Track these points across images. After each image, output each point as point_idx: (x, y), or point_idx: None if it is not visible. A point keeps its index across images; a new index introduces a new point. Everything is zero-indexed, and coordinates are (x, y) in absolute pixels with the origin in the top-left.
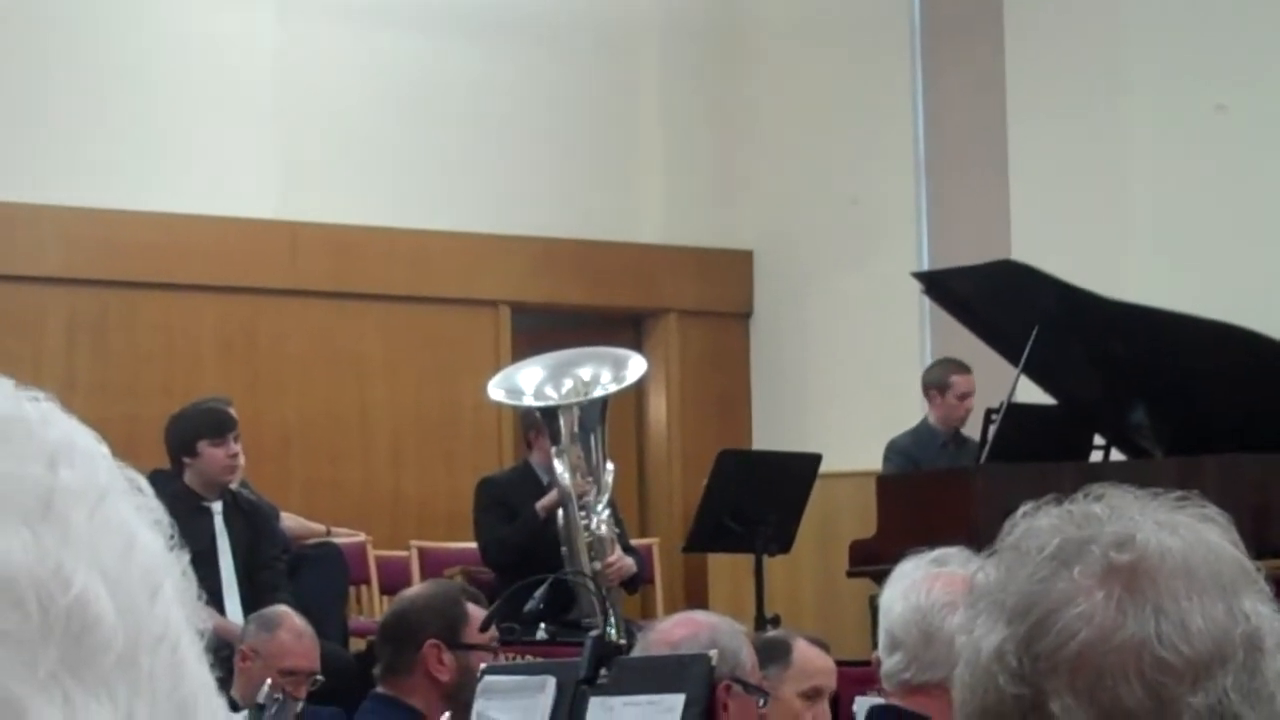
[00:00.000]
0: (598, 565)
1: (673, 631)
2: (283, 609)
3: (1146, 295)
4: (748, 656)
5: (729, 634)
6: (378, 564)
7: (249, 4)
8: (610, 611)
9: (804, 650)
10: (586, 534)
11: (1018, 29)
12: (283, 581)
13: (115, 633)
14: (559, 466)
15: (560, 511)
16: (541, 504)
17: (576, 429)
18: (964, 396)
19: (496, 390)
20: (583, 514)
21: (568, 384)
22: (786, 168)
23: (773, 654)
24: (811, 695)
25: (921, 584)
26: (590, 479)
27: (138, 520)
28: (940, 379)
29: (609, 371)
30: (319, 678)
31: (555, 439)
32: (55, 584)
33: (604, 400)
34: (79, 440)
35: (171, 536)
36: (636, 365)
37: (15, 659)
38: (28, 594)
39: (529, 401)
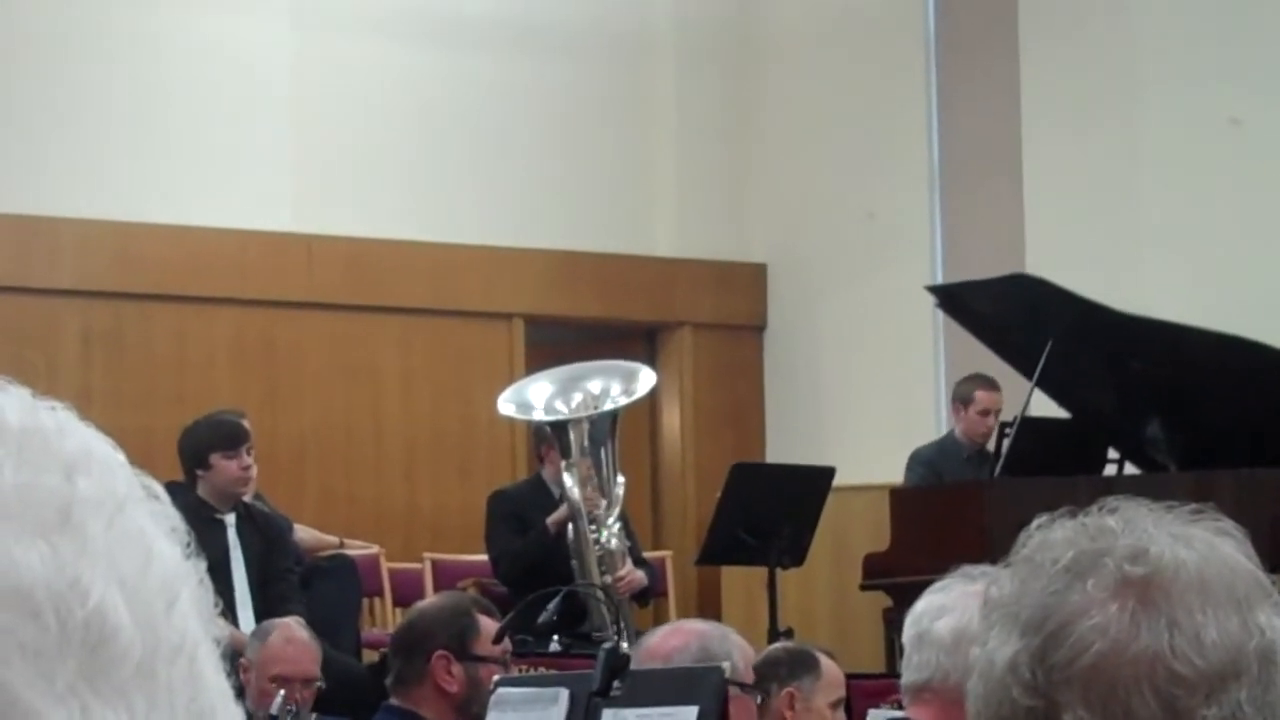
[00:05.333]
0: (608, 579)
1: (664, 644)
2: (281, 620)
3: (1161, 309)
4: (740, 657)
5: (718, 639)
6: (391, 576)
7: (265, 17)
8: (623, 624)
9: (827, 662)
10: (596, 548)
11: (1032, 43)
12: (295, 594)
13: (133, 644)
14: (568, 481)
15: (570, 525)
16: (551, 520)
17: (586, 443)
18: (985, 413)
19: (506, 405)
20: (593, 528)
21: (577, 397)
22: (801, 181)
23: (804, 666)
24: (837, 704)
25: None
26: (600, 493)
27: (155, 530)
28: (966, 393)
29: (619, 384)
30: (320, 684)
31: (565, 453)
32: (73, 595)
33: (614, 414)
34: (96, 450)
35: (188, 545)
36: (646, 378)
37: (33, 671)
38: (45, 605)
39: (539, 416)
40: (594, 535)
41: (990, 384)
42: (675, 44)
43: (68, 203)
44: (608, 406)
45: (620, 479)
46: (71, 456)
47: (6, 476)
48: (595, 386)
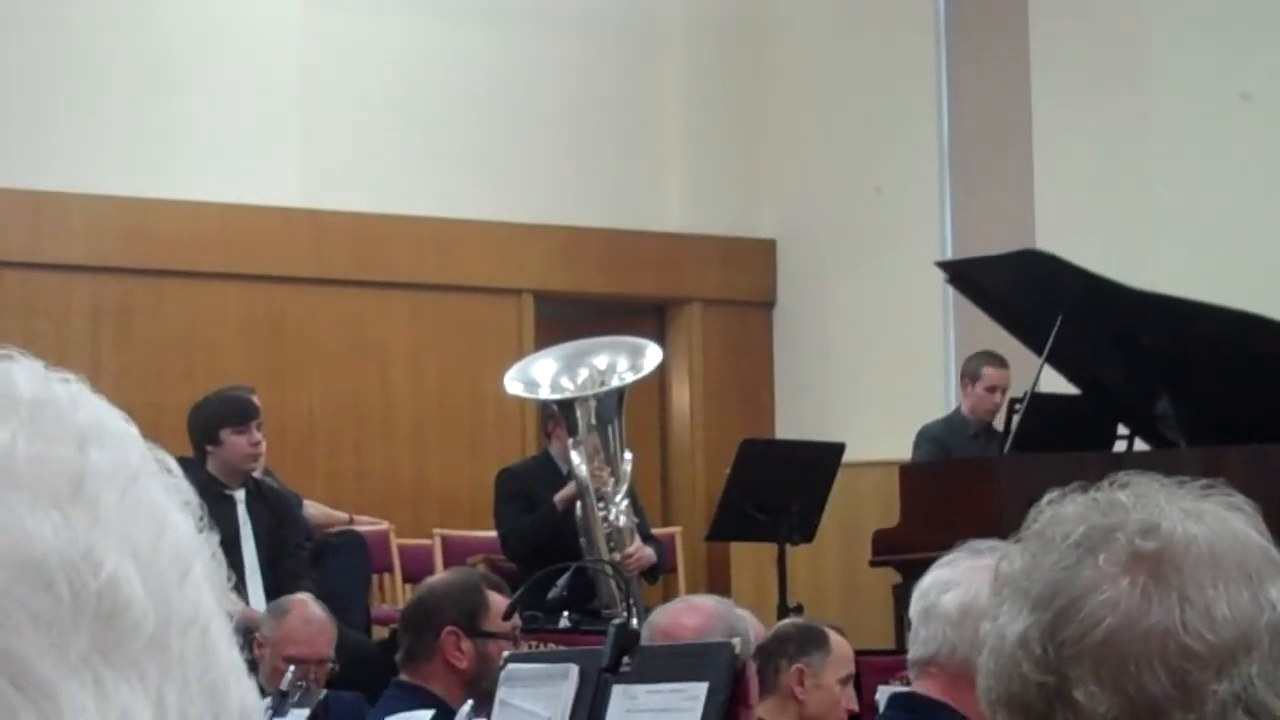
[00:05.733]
0: (617, 556)
1: (681, 621)
2: (298, 597)
3: (1171, 284)
4: (751, 631)
5: (737, 617)
6: (401, 552)
7: None
8: (633, 600)
9: (837, 638)
10: (605, 525)
11: (1042, 18)
12: (305, 569)
13: (146, 615)
14: (576, 458)
15: (579, 503)
16: (559, 497)
17: (594, 420)
18: (992, 389)
19: (513, 383)
20: (601, 505)
21: (583, 374)
22: (810, 157)
23: (814, 642)
24: (847, 680)
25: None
26: (608, 469)
27: (168, 502)
28: (973, 369)
29: (625, 360)
30: (334, 665)
31: (572, 430)
32: (86, 566)
33: (620, 391)
34: (109, 422)
35: (201, 518)
36: (652, 354)
37: (46, 642)
38: (58, 576)
39: (545, 394)
40: (602, 512)
41: (998, 361)
42: (685, 19)
43: (78, 179)
44: (614, 383)
45: (628, 455)
46: (84, 428)
47: (19, 447)
48: (601, 363)
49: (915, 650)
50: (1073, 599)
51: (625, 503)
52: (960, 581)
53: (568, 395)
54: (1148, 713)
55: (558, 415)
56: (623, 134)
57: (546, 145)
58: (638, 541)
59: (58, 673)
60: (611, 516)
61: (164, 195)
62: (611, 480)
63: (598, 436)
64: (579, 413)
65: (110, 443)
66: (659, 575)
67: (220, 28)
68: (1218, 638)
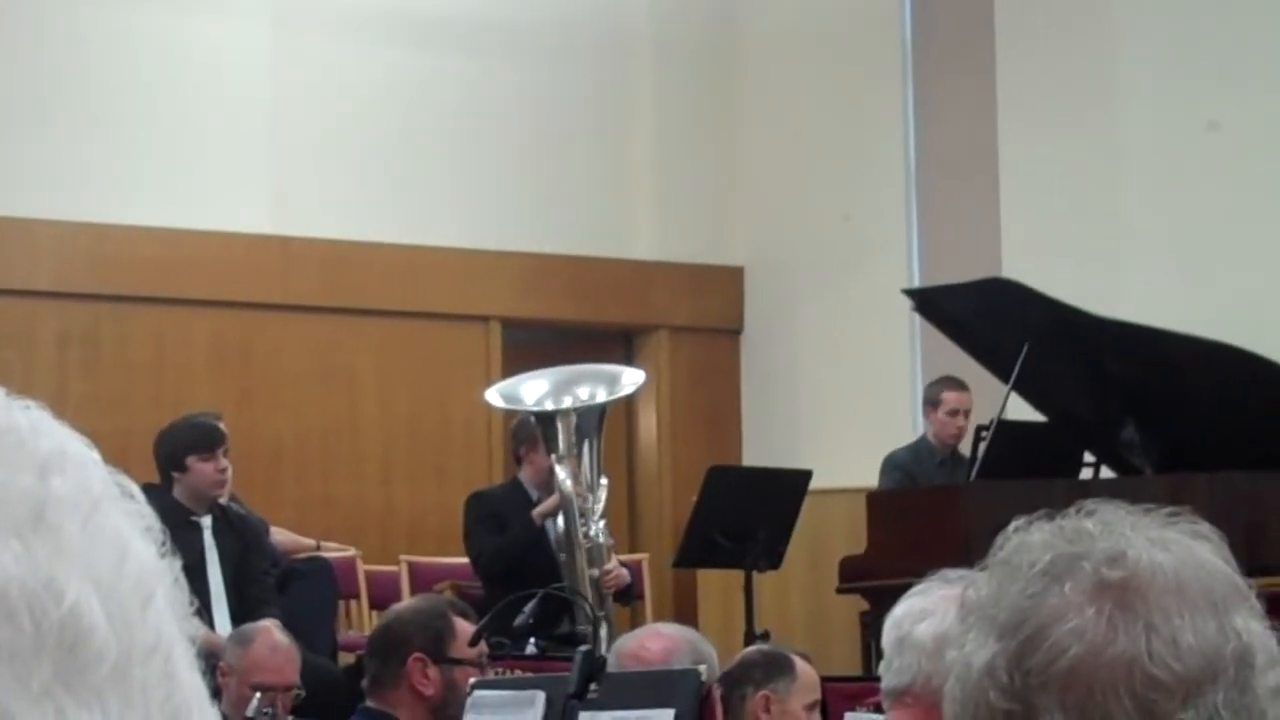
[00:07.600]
0: (595, 573)
1: (647, 646)
2: (261, 624)
3: (1137, 311)
4: (715, 657)
5: (701, 642)
6: (368, 579)
7: (243, 19)
8: (603, 625)
9: (802, 664)
10: (585, 541)
11: (1009, 46)
12: (272, 596)
13: (108, 644)
14: (560, 473)
15: (560, 519)
16: (540, 509)
17: (574, 436)
18: (954, 413)
19: (494, 396)
20: (581, 520)
21: (566, 401)
22: (778, 184)
23: (779, 669)
24: (813, 707)
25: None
26: (586, 487)
27: (130, 529)
28: (933, 395)
29: (605, 390)
30: (300, 692)
31: (552, 446)
32: (48, 596)
33: (601, 409)
34: (71, 449)
35: (163, 544)
36: (631, 376)
37: (8, 673)
38: (20, 606)
39: (526, 407)
40: (582, 529)
41: (957, 384)
42: (653, 47)
43: (45, 204)
44: (596, 400)
45: (604, 481)
46: (46, 456)
47: None
48: (584, 392)
49: (889, 680)
50: (1039, 627)
51: (603, 521)
52: (934, 611)
53: (549, 408)
54: None
55: (535, 436)
56: (591, 161)
57: (515, 172)
58: (615, 560)
59: (19, 704)
60: (591, 533)
61: (132, 221)
62: (590, 497)
63: (576, 454)
64: (560, 428)
65: (72, 470)
66: (632, 598)
67: (189, 54)
68: (1184, 667)
